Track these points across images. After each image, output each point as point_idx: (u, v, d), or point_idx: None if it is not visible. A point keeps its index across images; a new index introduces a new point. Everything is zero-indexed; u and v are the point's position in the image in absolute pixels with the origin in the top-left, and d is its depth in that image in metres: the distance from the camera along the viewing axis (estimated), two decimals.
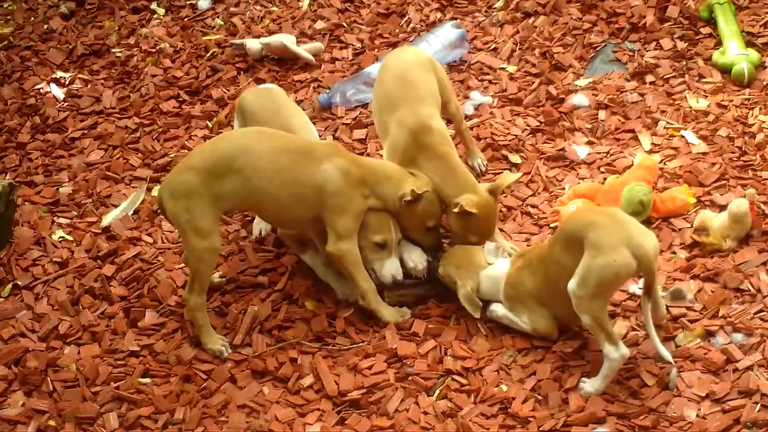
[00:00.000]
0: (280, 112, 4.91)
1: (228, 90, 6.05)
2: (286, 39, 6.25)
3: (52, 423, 4.18)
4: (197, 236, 4.32)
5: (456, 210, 4.47)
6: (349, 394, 4.14)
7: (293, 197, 4.39)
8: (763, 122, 5.27)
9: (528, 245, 4.73)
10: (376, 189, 4.47)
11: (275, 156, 4.37)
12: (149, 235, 5.11)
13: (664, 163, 5.08)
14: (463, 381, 4.17)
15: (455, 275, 4.38)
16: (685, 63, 5.78)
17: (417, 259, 4.52)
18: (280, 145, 4.42)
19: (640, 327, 4.22)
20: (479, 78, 5.91)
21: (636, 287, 4.34)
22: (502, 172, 5.14)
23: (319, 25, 6.52)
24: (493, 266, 4.38)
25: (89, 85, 6.31)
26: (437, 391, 4.14)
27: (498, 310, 4.35)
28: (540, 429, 3.90)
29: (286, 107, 5.02)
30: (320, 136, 5.48)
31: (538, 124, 5.47)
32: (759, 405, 3.89)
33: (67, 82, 6.34)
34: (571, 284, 3.92)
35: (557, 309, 4.20)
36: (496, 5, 6.46)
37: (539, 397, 4.06)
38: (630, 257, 3.85)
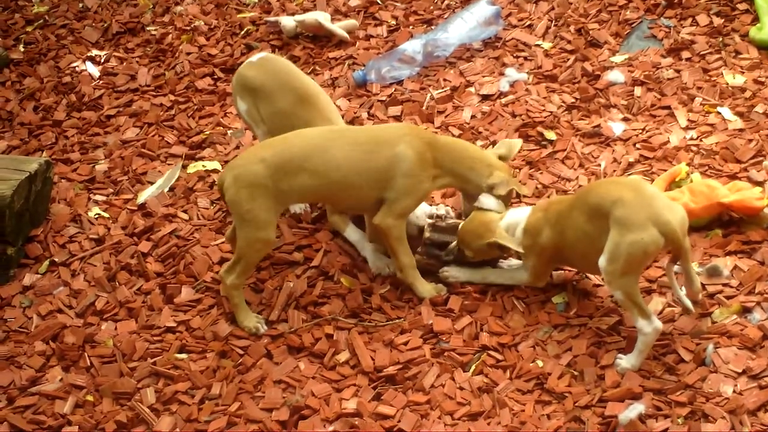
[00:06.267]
0: (292, 81, 4.86)
1: None
2: (321, 16, 6.24)
3: (89, 398, 4.21)
4: (254, 227, 4.29)
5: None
6: (385, 370, 4.15)
7: (370, 183, 4.34)
8: None
9: None
10: (455, 168, 4.43)
11: (349, 149, 4.33)
12: (185, 212, 5.13)
13: (701, 140, 5.05)
14: (499, 357, 4.17)
15: (483, 245, 4.37)
16: (721, 39, 5.74)
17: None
18: (353, 138, 4.40)
19: (676, 303, 4.21)
20: (514, 55, 5.89)
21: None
22: (536, 150, 5.15)
23: (354, 2, 6.51)
24: (513, 213, 4.38)
25: (124, 63, 6.34)
26: (473, 367, 4.14)
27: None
28: (576, 404, 3.90)
29: (296, 72, 4.94)
30: (355, 113, 5.50)
31: (573, 100, 5.45)
32: None
33: (102, 60, 6.37)
34: (602, 261, 3.94)
35: (574, 263, 4.32)
36: None
37: (575, 373, 4.05)
38: (657, 234, 3.86)
